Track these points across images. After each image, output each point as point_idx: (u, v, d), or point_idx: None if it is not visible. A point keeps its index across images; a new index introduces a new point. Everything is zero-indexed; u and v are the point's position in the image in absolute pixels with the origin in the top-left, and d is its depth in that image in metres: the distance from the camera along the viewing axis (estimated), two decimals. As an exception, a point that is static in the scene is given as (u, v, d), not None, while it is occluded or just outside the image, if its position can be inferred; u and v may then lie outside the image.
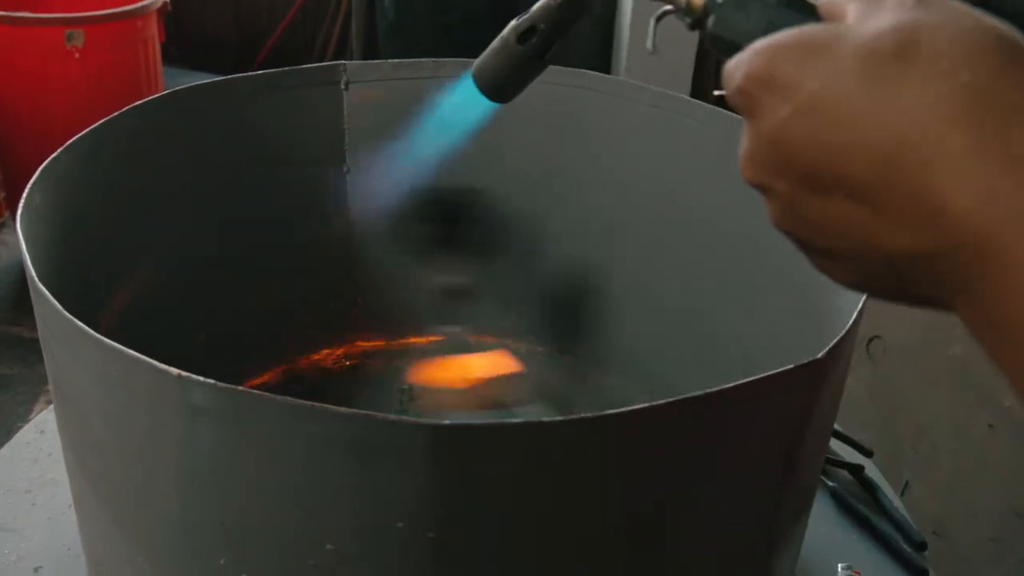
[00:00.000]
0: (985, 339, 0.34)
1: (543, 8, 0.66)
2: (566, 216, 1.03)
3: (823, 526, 0.91)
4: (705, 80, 2.95)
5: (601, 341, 1.05)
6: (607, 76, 0.98)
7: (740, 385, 0.52)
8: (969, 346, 1.39)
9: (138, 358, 0.51)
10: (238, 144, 0.95)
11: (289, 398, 0.49)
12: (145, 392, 0.53)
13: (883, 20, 0.35)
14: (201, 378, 0.50)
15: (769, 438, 0.58)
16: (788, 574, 0.71)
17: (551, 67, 0.99)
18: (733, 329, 0.94)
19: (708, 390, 0.51)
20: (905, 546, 0.90)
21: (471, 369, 0.80)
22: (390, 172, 1.03)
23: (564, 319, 1.06)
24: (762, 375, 0.53)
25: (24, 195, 0.67)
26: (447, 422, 0.48)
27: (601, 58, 3.03)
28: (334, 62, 0.98)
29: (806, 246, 0.39)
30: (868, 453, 0.98)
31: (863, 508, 0.93)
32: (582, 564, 0.55)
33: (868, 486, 0.96)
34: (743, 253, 0.91)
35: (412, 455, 0.49)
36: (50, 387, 0.69)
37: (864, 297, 0.62)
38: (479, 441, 0.49)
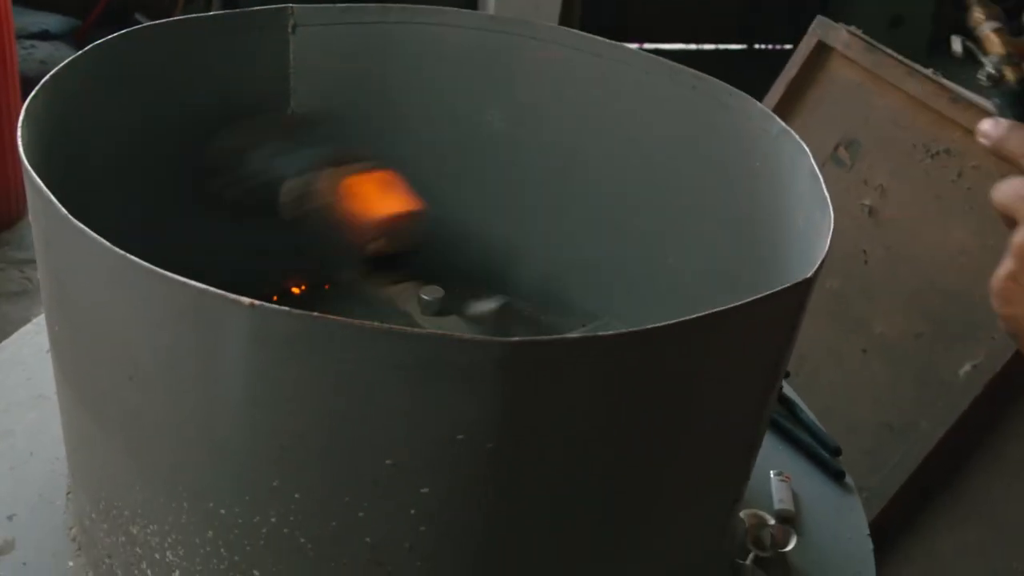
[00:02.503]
0: None
1: None
2: (499, 159, 1.07)
3: (754, 439, 1.00)
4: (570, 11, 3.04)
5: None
6: (547, 25, 1.02)
7: (752, 302, 0.58)
8: (844, 279, 1.54)
9: (207, 289, 0.53)
10: (184, 89, 0.94)
11: (365, 322, 0.52)
12: (211, 323, 0.54)
13: None
14: (275, 306, 0.52)
15: (765, 349, 0.65)
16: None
17: (487, 15, 1.03)
18: (663, 266, 1.02)
19: (733, 304, 0.57)
20: (823, 452, 1.01)
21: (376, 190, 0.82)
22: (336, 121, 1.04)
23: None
24: (767, 292, 0.60)
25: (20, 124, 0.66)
26: (517, 339, 0.52)
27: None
28: (282, 5, 0.98)
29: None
30: (786, 375, 1.09)
31: (784, 421, 1.03)
32: (621, 463, 0.61)
33: (786, 402, 1.07)
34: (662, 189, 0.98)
35: (481, 370, 0.53)
36: (51, 325, 0.69)
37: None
38: (547, 356, 0.54)
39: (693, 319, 0.56)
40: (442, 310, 0.87)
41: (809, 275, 0.64)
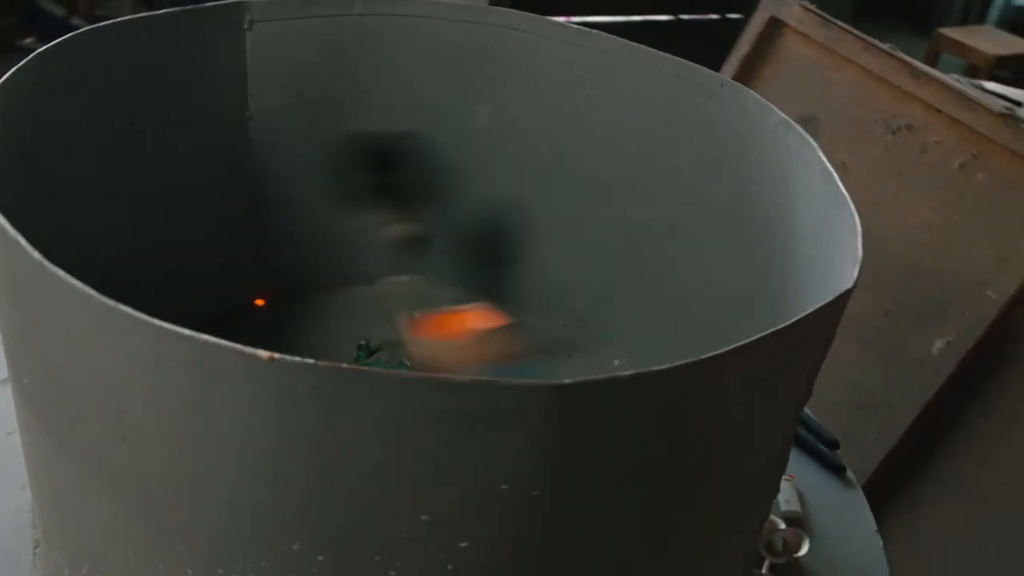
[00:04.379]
0: None
1: None
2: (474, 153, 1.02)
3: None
4: None
5: (518, 280, 1.06)
6: (523, 14, 0.97)
7: (801, 320, 0.55)
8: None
9: (219, 343, 0.47)
10: (138, 89, 0.86)
11: (401, 371, 0.47)
12: (223, 379, 0.48)
13: None
14: (297, 359, 0.47)
15: (805, 365, 0.62)
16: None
17: (460, 4, 0.98)
18: (653, 265, 0.98)
19: (772, 330, 0.54)
20: (822, 446, 0.99)
21: (464, 322, 0.78)
22: (297, 118, 0.98)
23: (478, 260, 1.05)
24: (813, 309, 0.56)
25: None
26: (568, 381, 0.48)
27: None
28: (236, 0, 0.90)
29: None
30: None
31: (779, 417, 1.01)
32: (667, 496, 0.57)
33: (779, 396, 1.04)
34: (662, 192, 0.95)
35: (527, 416, 0.49)
36: (17, 374, 0.62)
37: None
38: (596, 396, 0.49)
39: (743, 345, 0.52)
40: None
41: (849, 286, 0.61)
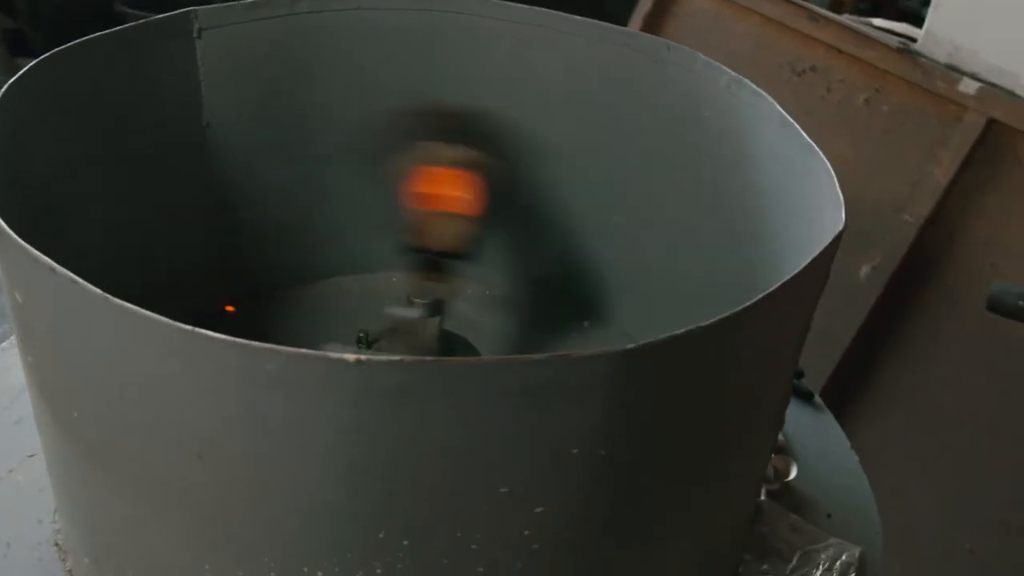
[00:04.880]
0: None
1: None
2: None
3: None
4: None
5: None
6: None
7: (793, 278, 0.59)
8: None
9: (305, 353, 0.49)
10: (100, 106, 0.85)
11: (476, 358, 0.50)
12: (308, 386, 0.50)
13: None
14: (383, 357, 0.49)
15: (804, 319, 0.67)
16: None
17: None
18: (625, 228, 1.02)
19: (791, 275, 0.59)
20: (789, 378, 1.06)
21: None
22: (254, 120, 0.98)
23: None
24: (802, 268, 0.61)
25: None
26: (632, 346, 0.52)
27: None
28: (184, 9, 0.90)
29: None
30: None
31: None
32: (709, 441, 0.62)
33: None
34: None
35: (594, 384, 0.52)
36: (63, 405, 0.62)
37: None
38: (658, 358, 0.53)
39: (767, 296, 0.56)
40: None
41: (840, 227, 0.66)
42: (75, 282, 0.52)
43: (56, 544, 0.78)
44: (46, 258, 0.54)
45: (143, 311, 0.50)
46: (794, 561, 0.87)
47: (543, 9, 0.98)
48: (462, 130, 0.89)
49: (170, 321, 0.50)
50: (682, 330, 0.53)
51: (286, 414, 0.52)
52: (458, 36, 0.99)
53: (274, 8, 0.94)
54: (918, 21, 1.51)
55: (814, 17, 1.51)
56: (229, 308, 1.08)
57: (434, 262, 0.87)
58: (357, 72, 0.98)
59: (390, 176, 0.85)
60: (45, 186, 0.80)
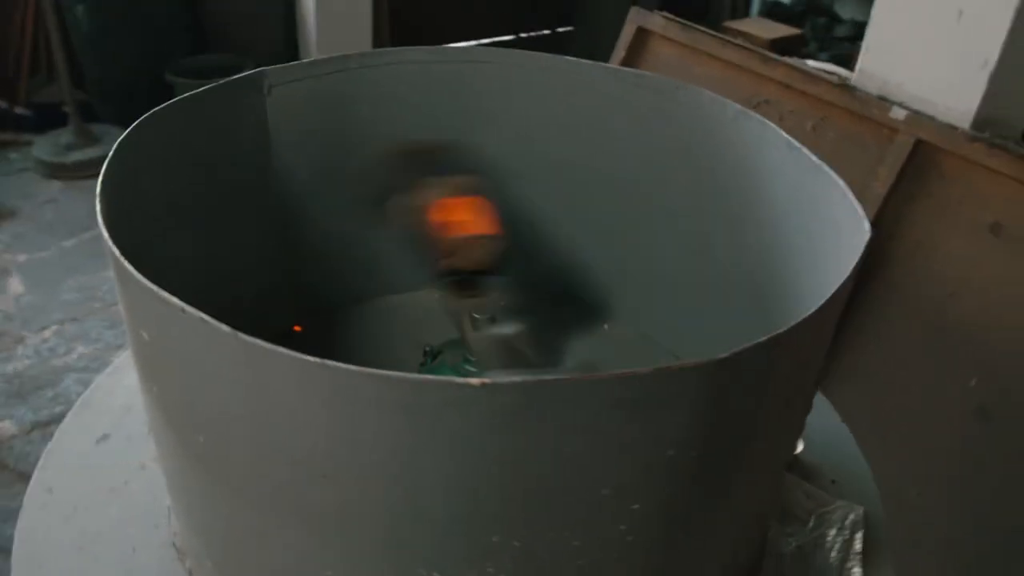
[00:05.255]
0: None
1: None
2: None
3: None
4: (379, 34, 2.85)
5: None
6: (491, 49, 0.93)
7: (843, 284, 0.54)
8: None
9: (428, 379, 0.42)
10: (190, 158, 0.78)
11: (594, 374, 0.44)
12: (433, 411, 0.44)
13: None
14: (505, 378, 0.43)
15: (839, 316, 0.62)
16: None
17: (438, 49, 0.92)
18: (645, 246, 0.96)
19: (836, 287, 0.53)
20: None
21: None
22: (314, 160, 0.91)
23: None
24: (848, 274, 0.55)
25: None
26: (724, 355, 0.46)
27: (287, 45, 2.79)
28: (258, 70, 0.83)
29: None
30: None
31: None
32: (774, 436, 0.56)
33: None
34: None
35: (692, 390, 0.47)
36: (188, 432, 0.54)
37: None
38: (745, 364, 0.47)
39: (817, 311, 0.51)
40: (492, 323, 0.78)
41: (868, 237, 0.60)
42: (205, 321, 0.45)
43: (173, 545, 0.71)
44: (175, 299, 0.46)
45: (273, 347, 0.43)
46: (811, 523, 0.81)
47: (566, 57, 0.91)
48: (441, 162, 0.83)
49: (302, 356, 0.43)
50: (765, 337, 0.47)
51: (413, 436, 0.45)
52: (483, 82, 0.92)
53: (329, 65, 0.87)
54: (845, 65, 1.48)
55: (765, 59, 1.46)
56: (296, 328, 1.01)
57: (467, 282, 0.80)
58: (396, 113, 0.91)
59: (404, 212, 0.78)
60: (146, 229, 0.72)
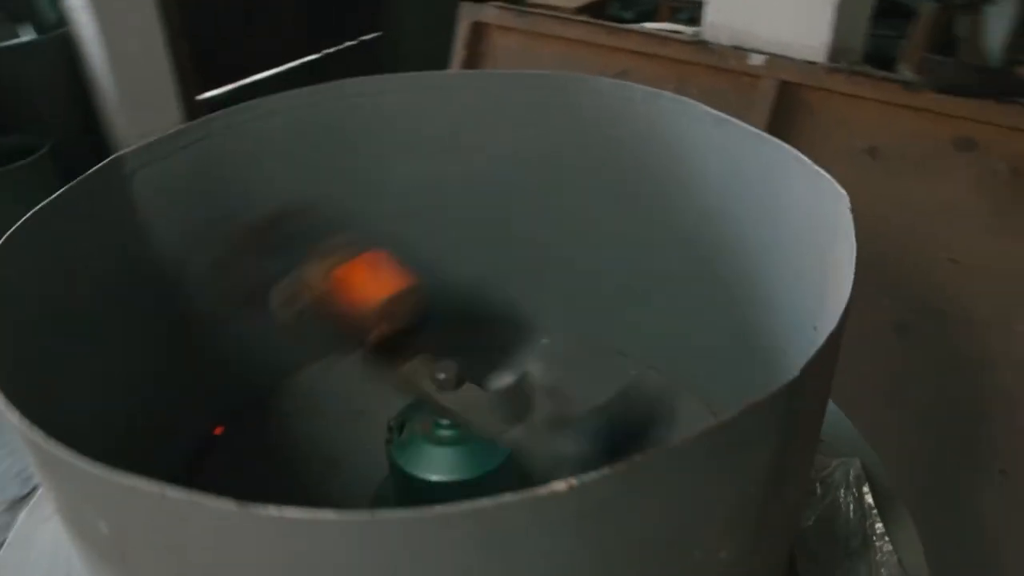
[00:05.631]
0: None
1: None
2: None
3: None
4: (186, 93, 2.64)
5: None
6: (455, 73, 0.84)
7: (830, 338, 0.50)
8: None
9: (518, 498, 0.35)
10: (57, 284, 0.65)
11: (683, 436, 0.38)
12: (517, 526, 0.37)
13: None
14: (593, 475, 0.36)
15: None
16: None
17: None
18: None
19: (842, 308, 0.49)
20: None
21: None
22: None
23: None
24: (835, 326, 0.52)
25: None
26: (795, 375, 0.42)
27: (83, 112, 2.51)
28: (113, 156, 0.70)
29: None
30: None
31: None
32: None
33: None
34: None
35: (775, 419, 0.42)
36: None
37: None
38: (809, 380, 0.43)
39: (845, 311, 0.48)
40: (458, 383, 0.68)
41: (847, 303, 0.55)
42: (197, 504, 0.36)
43: None
44: (149, 482, 0.36)
45: (316, 511, 0.35)
46: (819, 491, 0.80)
47: (548, 73, 0.84)
48: (305, 226, 0.72)
49: (349, 514, 0.34)
50: (816, 349, 0.43)
51: (505, 558, 0.38)
52: (362, 118, 0.84)
53: (191, 134, 0.76)
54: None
55: (612, 30, 1.45)
56: (217, 431, 0.89)
57: (400, 344, 0.68)
58: (276, 170, 0.81)
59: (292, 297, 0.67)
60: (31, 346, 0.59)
